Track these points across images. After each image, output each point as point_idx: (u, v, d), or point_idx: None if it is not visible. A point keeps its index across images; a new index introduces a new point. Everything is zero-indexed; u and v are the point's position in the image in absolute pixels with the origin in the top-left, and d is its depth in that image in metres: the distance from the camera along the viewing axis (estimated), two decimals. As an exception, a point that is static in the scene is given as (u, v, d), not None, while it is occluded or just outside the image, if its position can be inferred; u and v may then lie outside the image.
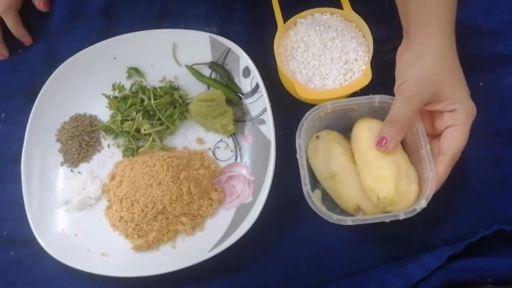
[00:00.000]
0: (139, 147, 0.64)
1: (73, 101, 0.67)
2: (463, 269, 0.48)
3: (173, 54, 0.68)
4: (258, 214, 0.56)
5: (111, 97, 0.66)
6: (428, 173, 0.49)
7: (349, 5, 0.63)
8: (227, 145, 0.64)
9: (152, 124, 0.63)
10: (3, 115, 0.67)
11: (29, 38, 0.71)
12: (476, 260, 0.49)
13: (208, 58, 0.67)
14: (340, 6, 0.64)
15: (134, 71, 0.68)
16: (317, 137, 0.59)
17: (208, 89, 0.67)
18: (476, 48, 0.62)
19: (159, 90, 0.65)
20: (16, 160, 0.61)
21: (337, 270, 0.53)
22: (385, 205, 0.50)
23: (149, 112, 0.64)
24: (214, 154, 0.64)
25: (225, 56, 0.66)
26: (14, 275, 0.57)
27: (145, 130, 0.62)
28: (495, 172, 0.56)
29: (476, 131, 0.53)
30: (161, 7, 0.72)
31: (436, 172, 0.50)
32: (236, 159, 0.63)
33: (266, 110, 0.61)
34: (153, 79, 0.68)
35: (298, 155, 0.53)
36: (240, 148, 0.63)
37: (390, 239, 0.53)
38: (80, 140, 0.64)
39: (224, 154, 0.64)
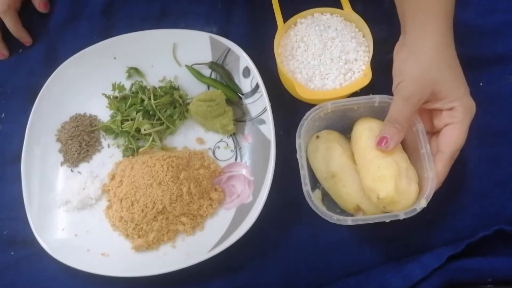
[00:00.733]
0: (139, 147, 0.63)
1: (73, 101, 0.67)
2: (463, 269, 0.48)
3: (173, 54, 0.68)
4: (258, 214, 0.56)
5: (111, 97, 0.66)
6: (428, 173, 0.49)
7: (349, 5, 0.63)
8: (227, 145, 0.64)
9: (152, 124, 0.63)
10: (3, 115, 0.67)
11: (29, 39, 0.71)
12: (476, 260, 0.49)
13: (208, 58, 0.67)
14: (340, 6, 0.64)
15: (134, 71, 0.68)
16: (317, 137, 0.59)
17: (208, 89, 0.67)
18: (476, 48, 0.62)
19: (159, 90, 0.65)
20: (16, 160, 0.61)
21: (337, 270, 0.53)
22: (385, 205, 0.50)
23: (149, 112, 0.64)
24: (214, 154, 0.64)
25: (225, 56, 0.66)
26: (14, 275, 0.57)
27: (145, 130, 0.62)
28: (495, 172, 0.56)
29: (476, 131, 0.53)
30: (161, 7, 0.72)
31: (435, 170, 0.50)
32: (236, 159, 0.63)
33: (266, 110, 0.61)
34: (153, 79, 0.68)
35: (298, 155, 0.53)
36: (240, 148, 0.63)
37: (390, 239, 0.53)
38: (80, 140, 0.64)
39: (224, 154, 0.63)
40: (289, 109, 0.63)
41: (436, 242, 0.52)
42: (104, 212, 0.61)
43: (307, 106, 0.58)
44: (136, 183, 0.58)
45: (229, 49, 0.65)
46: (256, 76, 0.63)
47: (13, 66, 0.71)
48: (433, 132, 0.54)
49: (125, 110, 0.64)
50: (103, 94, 0.66)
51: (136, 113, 0.63)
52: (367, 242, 0.53)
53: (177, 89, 0.67)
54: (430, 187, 0.48)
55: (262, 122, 0.62)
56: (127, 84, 0.67)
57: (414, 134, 0.54)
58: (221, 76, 0.66)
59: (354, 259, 0.53)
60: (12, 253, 0.57)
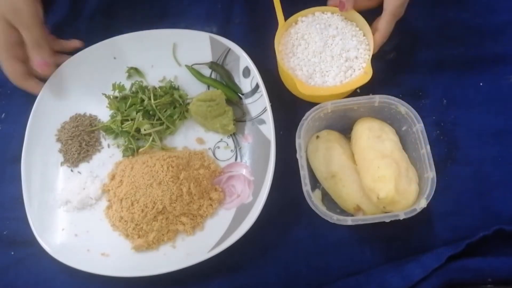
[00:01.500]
0: (139, 147, 0.63)
1: (73, 101, 0.67)
2: (463, 269, 0.48)
3: (173, 54, 0.68)
4: (258, 214, 0.56)
5: (111, 97, 0.66)
6: (428, 173, 0.49)
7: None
8: (227, 145, 0.64)
9: (152, 124, 0.63)
10: (3, 115, 0.67)
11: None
12: (476, 260, 0.48)
13: (208, 58, 0.67)
14: None
15: (134, 71, 0.68)
16: (317, 137, 0.59)
17: (208, 89, 0.67)
18: (476, 48, 0.62)
19: (159, 90, 0.65)
20: (16, 160, 0.61)
21: (337, 270, 0.53)
22: (385, 205, 0.50)
23: (149, 112, 0.64)
24: (214, 154, 0.64)
25: (225, 56, 0.66)
26: (14, 275, 0.57)
27: (145, 130, 0.62)
28: (495, 172, 0.56)
29: (476, 130, 0.54)
30: (161, 7, 0.72)
31: (378, 26, 0.58)
32: (236, 159, 0.63)
33: (266, 110, 0.61)
34: (153, 79, 0.68)
35: (298, 155, 0.53)
36: (240, 148, 0.63)
37: (390, 239, 0.53)
38: (80, 140, 0.64)
39: (224, 154, 0.63)
40: (289, 109, 0.63)
41: (436, 242, 0.52)
42: (104, 212, 0.61)
43: (307, 106, 0.58)
44: (136, 183, 0.58)
45: (229, 49, 0.65)
46: (256, 76, 0.63)
47: None
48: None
49: (125, 110, 0.64)
50: (103, 94, 0.66)
51: (136, 113, 0.63)
52: (367, 242, 0.53)
53: (177, 89, 0.67)
54: (430, 188, 0.48)
55: (262, 122, 0.62)
56: (127, 84, 0.67)
57: (414, 134, 0.54)
58: (221, 76, 0.66)
59: (354, 259, 0.53)
60: (12, 253, 0.57)
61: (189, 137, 0.65)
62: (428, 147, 0.51)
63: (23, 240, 0.57)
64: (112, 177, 0.62)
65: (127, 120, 0.63)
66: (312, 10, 0.64)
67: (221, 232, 0.57)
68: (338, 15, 0.64)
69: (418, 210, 0.47)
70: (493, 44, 0.62)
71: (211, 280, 0.56)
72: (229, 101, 0.65)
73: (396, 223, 0.48)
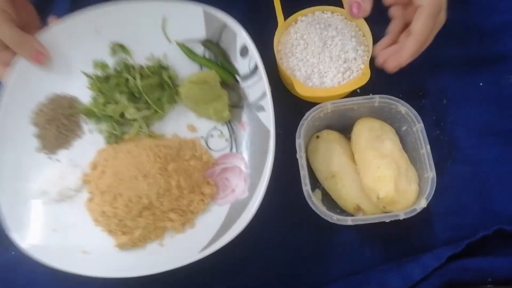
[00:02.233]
0: (124, 133, 0.58)
1: (49, 80, 0.59)
2: (463, 269, 0.48)
3: (163, 28, 0.60)
4: (255, 212, 0.51)
5: (93, 76, 0.59)
6: (428, 173, 0.49)
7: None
8: (221, 133, 0.58)
9: (138, 108, 0.57)
10: None
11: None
12: (476, 260, 0.49)
13: (202, 34, 0.60)
14: (341, 5, 0.59)
15: (118, 48, 0.60)
16: (317, 137, 0.57)
17: (201, 69, 0.60)
18: (476, 48, 0.61)
19: (146, 70, 0.58)
20: None
21: (337, 270, 0.52)
22: (385, 205, 0.50)
23: (134, 94, 0.57)
24: (206, 143, 0.58)
25: (221, 33, 0.59)
26: (14, 275, 0.56)
27: (130, 115, 0.56)
28: (495, 172, 0.55)
29: (476, 130, 0.54)
30: None
31: (416, 27, 0.48)
32: (231, 149, 0.57)
33: (265, 95, 0.55)
34: (139, 57, 0.60)
35: (298, 155, 0.51)
36: (235, 138, 0.58)
37: (390, 239, 0.52)
38: (58, 124, 0.58)
39: (218, 144, 0.58)
40: (289, 108, 0.58)
41: (436, 242, 0.52)
42: (85, 205, 0.55)
43: (307, 105, 0.55)
44: (119, 175, 0.52)
45: (226, 24, 0.58)
46: (255, 56, 0.56)
47: None
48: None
49: (108, 92, 0.57)
50: (82, 72, 0.59)
51: (120, 95, 0.57)
52: (367, 242, 0.53)
53: (167, 68, 0.60)
54: (430, 187, 0.48)
55: (261, 109, 0.56)
56: (111, 62, 0.60)
57: (414, 134, 0.53)
58: (216, 55, 0.60)
59: (354, 259, 0.53)
60: (13, 253, 0.55)
61: (179, 124, 0.59)
62: (428, 147, 0.51)
63: None
64: (94, 167, 0.57)
65: (110, 102, 0.57)
66: (312, 10, 0.61)
67: (214, 230, 0.52)
68: (338, 15, 0.61)
69: (418, 210, 0.47)
70: (493, 44, 0.62)
71: (204, 284, 0.53)
72: (224, 84, 0.58)
73: (396, 223, 0.48)
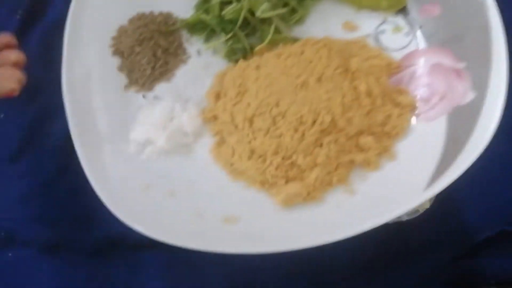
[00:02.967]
0: (252, 46, 0.39)
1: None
2: (466, 271, 0.47)
3: None
4: (500, 114, 0.32)
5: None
6: None
7: None
8: (397, 26, 0.40)
9: (272, 4, 0.39)
10: (2, 115, 0.58)
11: None
12: (480, 261, 0.47)
13: None
14: None
15: None
16: None
17: None
18: None
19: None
20: (14, 159, 0.54)
21: (338, 271, 0.48)
22: None
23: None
24: (378, 42, 0.39)
25: None
26: (12, 276, 0.52)
27: (262, 12, 0.38)
28: (499, 172, 0.51)
29: None
30: None
31: None
32: (418, 44, 0.39)
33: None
34: None
35: None
36: (421, 27, 0.39)
37: (392, 241, 0.48)
38: (153, 47, 0.39)
39: (396, 40, 0.39)
40: None
41: (439, 243, 0.49)
42: (213, 154, 0.36)
43: None
44: (273, 87, 0.33)
45: None
46: None
47: None
48: None
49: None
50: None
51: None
52: (369, 243, 0.47)
53: None
54: None
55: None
56: None
57: None
58: None
59: (355, 261, 0.48)
60: (10, 254, 0.52)
61: (331, 24, 0.40)
62: None
63: (21, 241, 0.53)
64: (216, 96, 0.38)
65: (229, 3, 0.39)
66: None
67: (435, 155, 0.33)
68: None
69: (421, 211, 0.44)
70: None
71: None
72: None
73: (398, 225, 0.45)
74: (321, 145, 0.32)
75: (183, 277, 0.47)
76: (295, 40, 0.39)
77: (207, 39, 0.41)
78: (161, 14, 0.42)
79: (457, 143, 0.33)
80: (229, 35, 0.40)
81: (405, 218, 0.45)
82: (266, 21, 0.39)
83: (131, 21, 0.42)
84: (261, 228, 0.33)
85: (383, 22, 0.40)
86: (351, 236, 0.34)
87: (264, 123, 0.33)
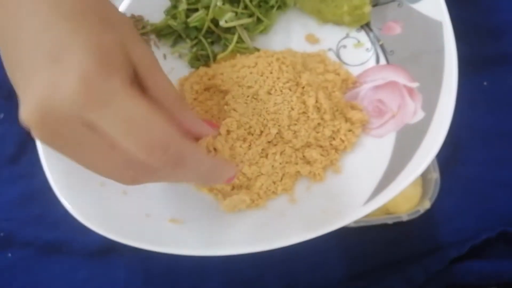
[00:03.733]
0: (215, 54, 0.40)
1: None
2: (466, 272, 0.47)
3: None
4: (444, 135, 0.33)
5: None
6: (431, 174, 0.47)
7: None
8: (359, 42, 0.40)
9: (236, 13, 0.40)
10: (2, 115, 0.57)
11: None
12: (480, 262, 0.48)
13: None
14: None
15: None
16: None
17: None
18: (480, 47, 0.57)
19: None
20: (14, 159, 0.55)
21: (338, 273, 0.49)
22: (388, 207, 0.47)
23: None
24: (339, 56, 0.40)
25: None
26: (11, 277, 0.52)
27: (226, 22, 0.39)
28: (499, 173, 0.53)
29: (479, 132, 0.52)
30: None
31: None
32: (378, 61, 0.39)
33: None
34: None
35: None
36: (381, 45, 0.40)
37: (392, 241, 0.50)
38: (120, 49, 0.41)
39: (356, 56, 0.40)
40: None
41: (439, 244, 0.50)
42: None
43: None
44: (227, 97, 0.34)
45: None
46: None
47: None
48: None
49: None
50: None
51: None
52: (369, 244, 0.50)
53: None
54: (434, 188, 0.46)
55: (417, -2, 0.38)
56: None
57: None
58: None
59: (355, 262, 0.50)
60: (9, 255, 0.52)
61: (294, 35, 0.41)
62: None
63: (20, 242, 0.53)
64: (177, 100, 0.39)
65: (196, 10, 0.40)
66: None
67: (378, 171, 0.33)
68: None
69: (422, 211, 0.46)
70: (496, 43, 0.58)
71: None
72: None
73: (398, 225, 0.46)
74: (266, 156, 0.33)
75: (183, 277, 0.47)
76: (257, 50, 0.40)
77: (174, 44, 0.42)
78: (132, 17, 0.43)
79: (401, 160, 0.34)
80: (194, 42, 0.41)
81: (405, 218, 0.45)
82: (230, 30, 0.40)
83: (103, 22, 0.43)
84: (203, 231, 0.34)
85: (346, 37, 0.41)
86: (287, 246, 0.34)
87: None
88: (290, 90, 0.33)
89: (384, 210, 0.48)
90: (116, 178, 0.26)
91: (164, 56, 0.42)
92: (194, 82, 0.37)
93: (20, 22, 0.25)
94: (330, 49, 0.40)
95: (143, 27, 0.42)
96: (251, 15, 0.40)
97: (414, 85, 0.36)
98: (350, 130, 0.35)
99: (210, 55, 0.40)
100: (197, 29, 0.40)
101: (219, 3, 0.39)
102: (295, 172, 0.34)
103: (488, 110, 0.54)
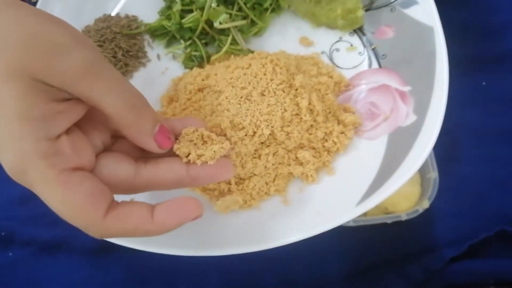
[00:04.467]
0: (209, 55, 0.40)
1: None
2: (465, 271, 0.47)
3: None
4: (435, 139, 0.33)
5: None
6: (430, 174, 0.47)
7: None
8: (351, 45, 0.41)
9: (230, 15, 0.40)
10: None
11: None
12: (478, 261, 0.48)
13: None
14: None
15: None
16: None
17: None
18: (478, 47, 0.58)
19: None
20: None
21: (337, 272, 0.50)
22: (387, 206, 0.48)
23: (225, -1, 0.40)
24: (331, 60, 0.41)
25: None
26: (12, 275, 0.52)
27: (220, 23, 0.39)
28: (497, 173, 0.53)
29: (477, 130, 0.53)
30: None
31: None
32: (370, 64, 0.40)
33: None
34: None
35: None
36: (374, 48, 0.40)
37: (391, 240, 0.50)
38: (114, 48, 0.40)
39: (349, 59, 0.40)
40: None
41: (438, 243, 0.50)
42: (161, 156, 0.37)
43: None
44: (218, 97, 0.34)
45: None
46: None
47: None
48: None
49: (188, -6, 0.40)
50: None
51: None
52: (368, 243, 0.51)
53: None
54: (433, 188, 0.47)
55: (410, 3, 0.39)
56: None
57: None
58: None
59: (354, 261, 0.50)
60: (10, 254, 0.52)
61: (288, 38, 0.41)
62: None
63: (21, 241, 0.53)
64: (169, 101, 0.39)
65: (190, 11, 0.40)
66: None
67: (370, 173, 0.34)
68: None
69: (421, 211, 0.46)
70: (495, 43, 0.59)
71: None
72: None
73: (397, 224, 0.46)
74: (259, 157, 0.33)
75: (182, 276, 0.47)
76: (250, 52, 0.40)
77: (168, 45, 0.42)
78: (127, 17, 0.43)
79: (393, 163, 0.34)
80: (188, 43, 0.41)
81: (404, 218, 0.45)
82: (224, 31, 0.40)
83: (96, 21, 0.43)
84: (197, 232, 0.34)
85: (339, 40, 0.41)
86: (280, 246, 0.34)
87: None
88: (283, 91, 0.33)
89: (383, 209, 0.48)
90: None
91: (158, 57, 0.42)
92: (188, 82, 0.37)
93: None
94: (323, 52, 0.41)
95: (137, 27, 0.42)
96: (245, 17, 0.41)
97: (406, 88, 0.37)
98: (342, 132, 0.35)
99: (204, 56, 0.40)
100: (191, 30, 0.40)
101: (213, 5, 0.39)
102: (288, 173, 0.34)
103: (486, 109, 0.54)
